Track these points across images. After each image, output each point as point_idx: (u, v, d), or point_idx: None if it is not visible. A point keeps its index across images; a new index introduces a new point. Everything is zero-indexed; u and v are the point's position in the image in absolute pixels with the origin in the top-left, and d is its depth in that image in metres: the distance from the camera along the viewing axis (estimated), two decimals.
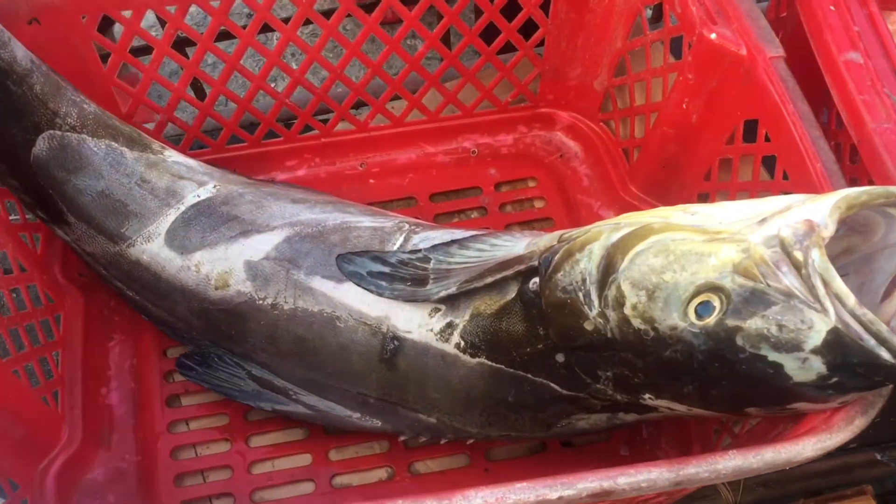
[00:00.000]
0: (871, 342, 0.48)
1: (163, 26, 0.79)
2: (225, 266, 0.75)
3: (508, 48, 0.88)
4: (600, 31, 0.84)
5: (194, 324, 0.78)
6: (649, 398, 0.61)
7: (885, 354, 0.48)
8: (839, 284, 0.49)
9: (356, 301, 0.72)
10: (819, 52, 0.67)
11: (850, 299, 0.48)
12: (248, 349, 0.77)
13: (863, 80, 0.64)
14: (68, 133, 0.75)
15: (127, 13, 0.76)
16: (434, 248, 0.72)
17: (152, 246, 0.77)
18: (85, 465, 0.76)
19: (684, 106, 0.78)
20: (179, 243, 0.76)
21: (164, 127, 0.87)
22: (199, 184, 0.79)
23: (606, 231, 0.61)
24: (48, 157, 0.74)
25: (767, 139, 0.70)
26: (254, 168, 0.92)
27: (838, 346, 0.49)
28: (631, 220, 0.61)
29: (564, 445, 0.79)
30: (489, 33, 0.86)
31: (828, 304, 0.49)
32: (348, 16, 0.81)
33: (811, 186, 0.64)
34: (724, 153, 0.77)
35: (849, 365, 0.49)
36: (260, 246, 0.75)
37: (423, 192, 0.94)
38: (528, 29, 0.87)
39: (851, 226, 0.55)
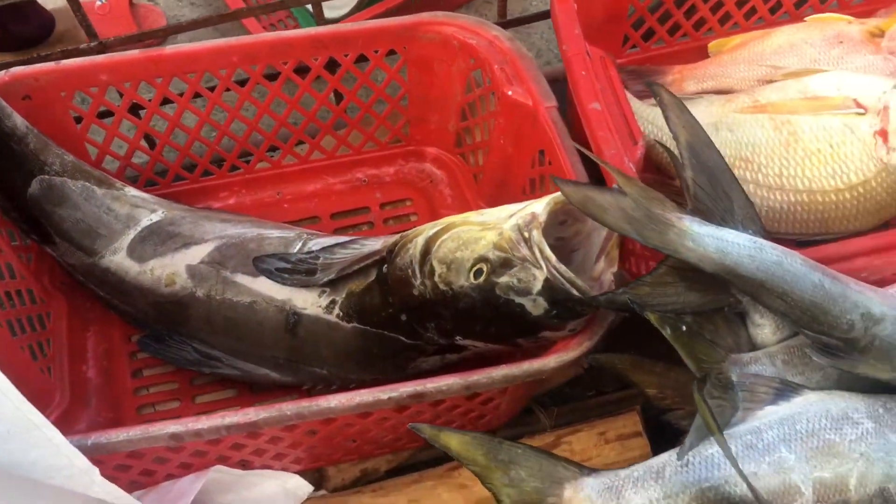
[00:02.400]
0: (566, 284, 0.78)
1: (121, 96, 1.08)
2: (171, 269, 1.03)
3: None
4: (445, 89, 1.15)
5: (150, 313, 1.05)
6: (459, 339, 0.90)
7: (575, 291, 0.78)
8: (547, 251, 0.79)
9: (267, 289, 1.00)
10: (577, 102, 0.98)
11: (553, 259, 0.78)
12: (191, 330, 1.04)
13: (601, 122, 0.95)
14: (54, 177, 1.03)
15: (94, 89, 1.05)
16: (323, 249, 1.01)
17: (117, 257, 1.04)
18: (72, 420, 1.03)
19: (502, 141, 1.09)
20: (138, 254, 1.04)
21: (125, 170, 1.15)
22: (152, 211, 1.07)
23: (428, 228, 0.91)
24: (40, 195, 1.03)
25: (549, 163, 1.01)
26: (195, 199, 1.20)
27: (550, 289, 0.79)
28: (444, 220, 0.91)
29: None
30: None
31: (542, 263, 0.79)
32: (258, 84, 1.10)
33: None
34: (530, 174, 1.07)
35: (559, 301, 0.80)
36: (197, 254, 1.03)
37: (325, 213, 1.23)
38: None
39: (576, 216, 0.86)
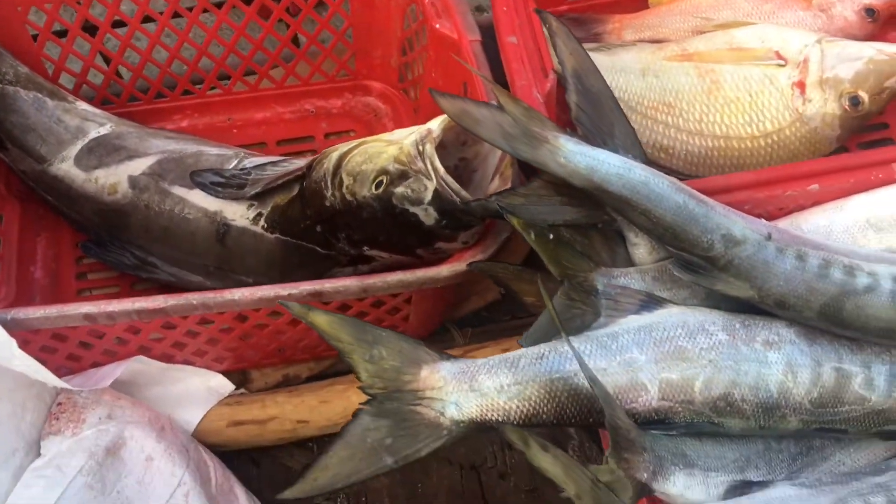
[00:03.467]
0: (452, 195, 0.84)
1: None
2: (115, 179, 1.10)
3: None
4: (386, 23, 1.21)
5: (94, 220, 1.12)
6: (367, 249, 0.96)
7: (459, 201, 0.84)
8: (437, 163, 0.85)
9: (201, 201, 1.06)
10: (497, 35, 1.03)
11: (441, 170, 0.84)
12: (130, 236, 1.11)
13: (517, 53, 1.01)
14: (7, 86, 1.10)
15: (48, 6, 1.11)
16: (256, 166, 1.07)
17: (65, 165, 1.11)
18: None
19: (433, 74, 1.15)
20: (84, 164, 1.11)
21: (81, 87, 1.22)
22: (100, 124, 1.14)
23: (343, 145, 0.97)
24: None
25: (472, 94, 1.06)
26: (149, 120, 1.26)
27: (439, 199, 0.85)
28: (360, 140, 0.97)
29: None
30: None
31: (432, 175, 0.85)
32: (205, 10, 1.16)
33: None
34: None
35: (447, 210, 0.86)
36: (139, 166, 1.10)
37: (272, 139, 1.29)
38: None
39: (475, 139, 0.91)
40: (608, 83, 1.19)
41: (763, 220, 0.88)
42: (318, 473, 0.70)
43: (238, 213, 1.05)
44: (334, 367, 1.12)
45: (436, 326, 1.12)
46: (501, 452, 1.09)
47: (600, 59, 1.21)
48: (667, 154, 1.18)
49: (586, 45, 1.24)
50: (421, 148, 0.86)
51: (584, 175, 0.79)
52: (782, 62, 1.15)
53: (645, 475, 0.72)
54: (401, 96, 1.30)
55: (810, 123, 1.13)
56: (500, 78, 1.02)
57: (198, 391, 1.05)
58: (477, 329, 1.15)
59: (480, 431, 0.74)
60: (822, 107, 1.13)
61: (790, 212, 0.97)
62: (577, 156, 0.79)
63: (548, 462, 0.64)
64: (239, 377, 1.09)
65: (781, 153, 1.15)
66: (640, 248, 0.88)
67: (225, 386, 1.06)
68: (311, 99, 1.32)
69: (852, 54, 1.14)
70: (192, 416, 1.03)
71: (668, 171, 1.17)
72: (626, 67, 1.20)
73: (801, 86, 1.13)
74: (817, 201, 0.96)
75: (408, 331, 1.07)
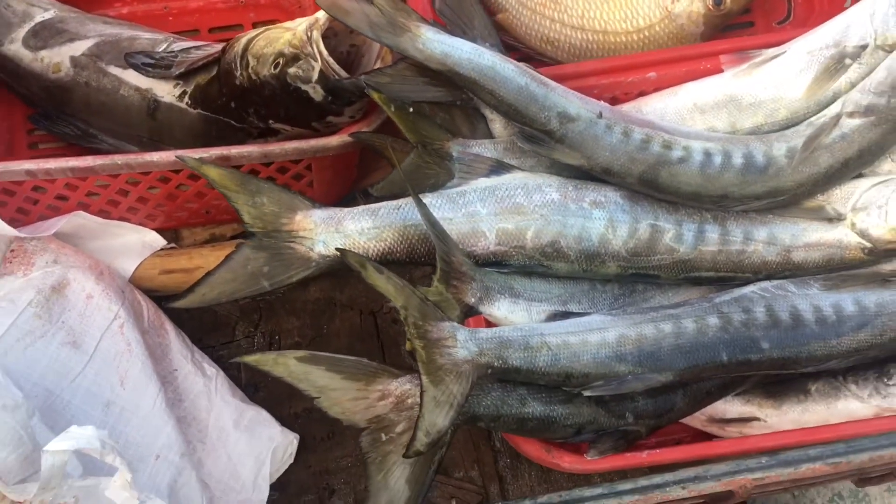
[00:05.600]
0: (334, 74, 1.00)
1: None
2: (58, 59, 1.24)
3: None
4: None
5: (41, 96, 1.27)
6: (272, 123, 1.13)
7: (337, 78, 1.00)
8: (322, 47, 1.00)
9: (134, 80, 1.21)
10: None
11: (325, 53, 1.00)
12: (73, 110, 1.26)
13: None
14: None
15: None
16: (183, 49, 1.22)
17: (14, 46, 1.25)
18: None
19: None
20: (32, 45, 1.25)
21: None
22: (45, 10, 1.28)
23: (251, 32, 1.12)
24: None
25: None
26: (92, 7, 1.39)
27: (324, 78, 1.01)
28: (266, 26, 1.12)
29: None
30: None
31: (318, 57, 1.00)
32: None
33: None
34: None
35: (331, 88, 1.02)
36: (80, 47, 1.24)
37: (204, 26, 1.43)
38: None
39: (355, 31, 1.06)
40: None
41: (600, 102, 1.04)
42: (206, 290, 0.88)
43: (166, 91, 1.20)
44: None
45: (341, 195, 1.28)
46: None
47: None
48: (552, 46, 1.32)
49: None
50: (310, 34, 1.01)
51: (440, 59, 0.95)
52: None
53: (472, 300, 0.91)
54: None
55: (677, 21, 1.28)
56: None
57: (134, 245, 1.22)
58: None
59: (343, 266, 0.91)
60: (689, 5, 1.27)
61: (635, 97, 1.13)
62: (433, 42, 0.95)
63: (381, 281, 0.82)
64: (171, 235, 1.26)
65: (652, 48, 1.30)
66: (496, 123, 1.04)
67: (158, 241, 1.23)
68: None
69: None
70: (128, 266, 1.20)
71: (554, 62, 1.33)
72: None
73: None
74: (657, 87, 1.12)
75: (314, 196, 1.24)
